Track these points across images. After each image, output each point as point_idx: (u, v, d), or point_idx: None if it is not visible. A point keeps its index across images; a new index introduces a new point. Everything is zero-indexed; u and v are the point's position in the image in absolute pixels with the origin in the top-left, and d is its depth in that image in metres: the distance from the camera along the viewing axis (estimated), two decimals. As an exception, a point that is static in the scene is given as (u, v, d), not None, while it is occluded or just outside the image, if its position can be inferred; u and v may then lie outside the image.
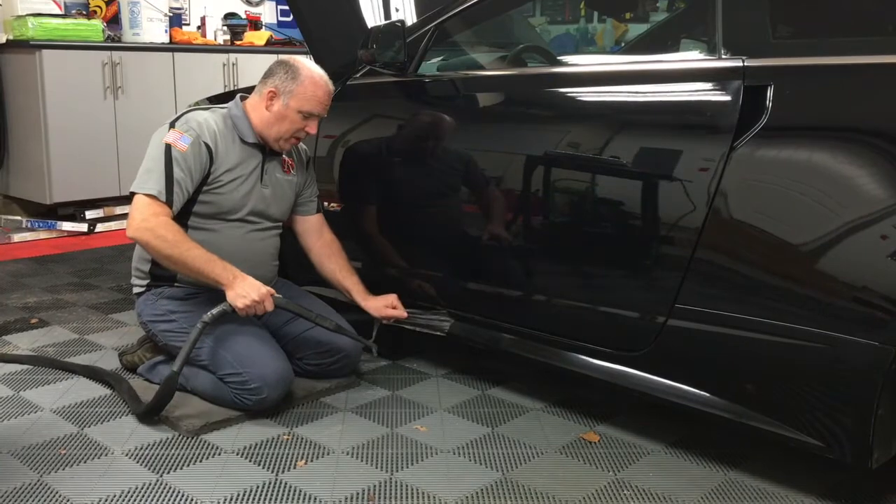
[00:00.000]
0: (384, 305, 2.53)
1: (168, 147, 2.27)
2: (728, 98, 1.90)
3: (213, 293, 2.39)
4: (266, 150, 2.44)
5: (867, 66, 1.77)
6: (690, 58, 2.31)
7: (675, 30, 2.83)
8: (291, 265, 2.73)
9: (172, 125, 2.33)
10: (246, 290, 2.22)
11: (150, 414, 2.25)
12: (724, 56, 1.93)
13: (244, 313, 2.24)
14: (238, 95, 2.48)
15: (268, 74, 2.41)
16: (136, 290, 2.49)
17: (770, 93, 1.82)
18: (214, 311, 2.22)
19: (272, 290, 2.29)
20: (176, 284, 2.40)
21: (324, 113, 2.41)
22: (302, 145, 2.62)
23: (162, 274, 2.42)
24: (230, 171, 2.36)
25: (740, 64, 1.89)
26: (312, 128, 2.40)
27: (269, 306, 2.27)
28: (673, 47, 2.65)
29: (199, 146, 2.30)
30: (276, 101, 2.37)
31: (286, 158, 2.52)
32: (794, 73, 1.86)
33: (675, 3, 3.22)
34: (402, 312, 2.53)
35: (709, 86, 1.99)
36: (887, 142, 1.72)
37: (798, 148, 1.82)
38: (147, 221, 2.23)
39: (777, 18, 1.96)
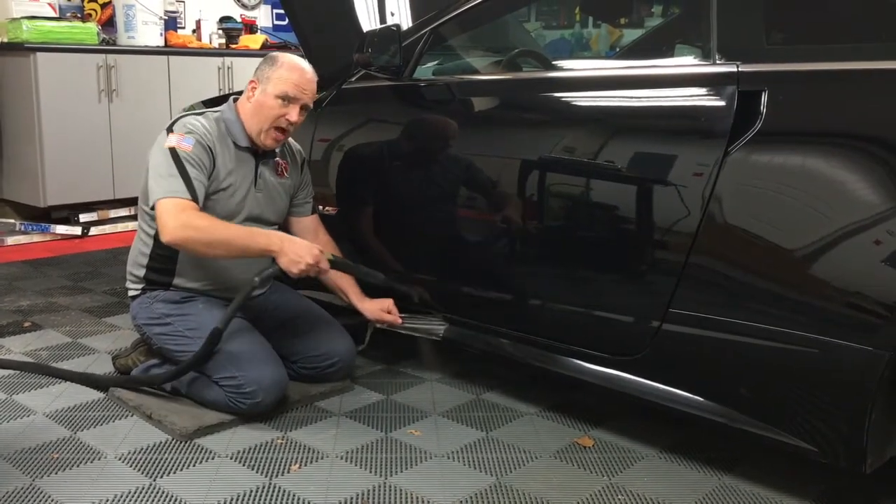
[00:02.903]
0: (380, 309, 2.53)
1: (173, 150, 2.26)
2: (722, 103, 1.90)
3: (209, 297, 2.39)
4: (259, 153, 2.43)
5: (861, 71, 1.78)
6: (685, 63, 2.32)
7: (669, 35, 2.84)
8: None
9: (170, 130, 2.32)
10: (300, 255, 2.23)
11: (189, 369, 2.26)
12: (718, 61, 1.94)
13: (298, 277, 2.25)
14: (231, 98, 2.47)
15: (254, 71, 2.42)
16: (130, 293, 2.48)
17: (764, 98, 1.83)
18: (265, 272, 2.23)
19: (321, 248, 2.30)
20: (171, 288, 2.40)
21: (303, 97, 2.35)
22: (297, 146, 2.61)
23: (156, 278, 2.41)
24: (226, 178, 2.35)
25: (735, 69, 1.89)
26: (293, 114, 2.34)
27: (325, 266, 2.28)
28: (667, 52, 2.65)
29: (203, 146, 2.29)
30: (257, 90, 2.37)
31: (279, 161, 2.51)
32: (788, 78, 1.87)
33: (669, 9, 3.23)
34: (396, 318, 2.53)
35: (703, 91, 1.99)
36: (881, 147, 1.73)
37: (792, 153, 1.82)
38: (178, 219, 2.19)
39: (771, 24, 1.97)
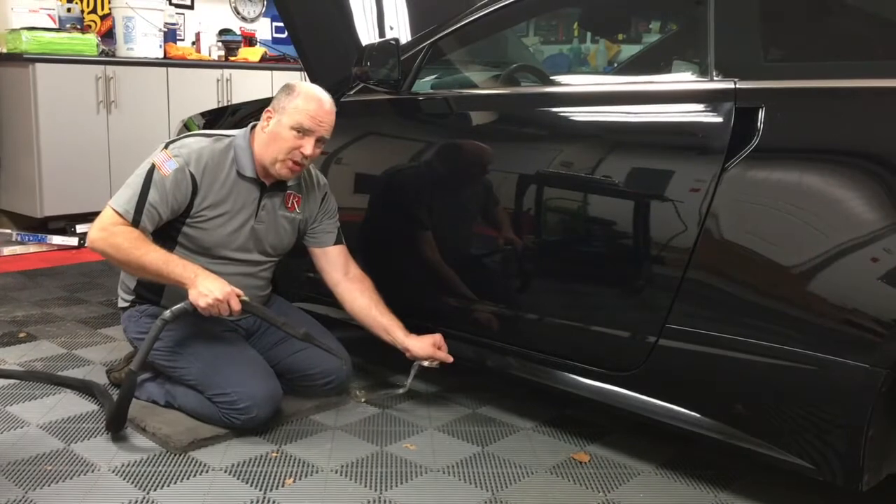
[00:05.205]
0: (430, 345, 2.38)
1: (152, 168, 2.24)
2: (720, 119, 1.91)
3: (198, 315, 2.35)
4: (266, 185, 2.37)
5: (858, 89, 1.78)
6: (682, 79, 2.32)
7: (667, 51, 2.85)
8: (282, 280, 2.71)
9: (166, 146, 2.30)
10: (209, 288, 2.15)
11: (116, 420, 2.21)
12: (715, 78, 1.95)
13: (207, 313, 2.16)
14: (250, 125, 2.40)
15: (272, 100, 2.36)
16: (121, 304, 2.47)
17: (761, 115, 1.83)
18: (175, 308, 2.17)
19: (239, 291, 2.20)
20: (161, 304, 2.36)
21: (318, 129, 2.30)
22: (321, 178, 2.53)
23: (146, 294, 2.40)
24: (216, 207, 2.30)
25: (732, 86, 1.90)
26: (308, 147, 2.28)
27: (236, 305, 2.18)
28: (665, 68, 2.66)
29: (183, 174, 2.24)
30: (272, 120, 2.31)
31: (291, 194, 2.43)
32: (785, 95, 1.87)
33: (667, 25, 3.24)
34: (447, 356, 2.39)
35: (701, 107, 2.00)
36: (878, 164, 1.73)
37: (789, 170, 1.82)
38: (105, 230, 2.20)
39: (769, 41, 1.98)
